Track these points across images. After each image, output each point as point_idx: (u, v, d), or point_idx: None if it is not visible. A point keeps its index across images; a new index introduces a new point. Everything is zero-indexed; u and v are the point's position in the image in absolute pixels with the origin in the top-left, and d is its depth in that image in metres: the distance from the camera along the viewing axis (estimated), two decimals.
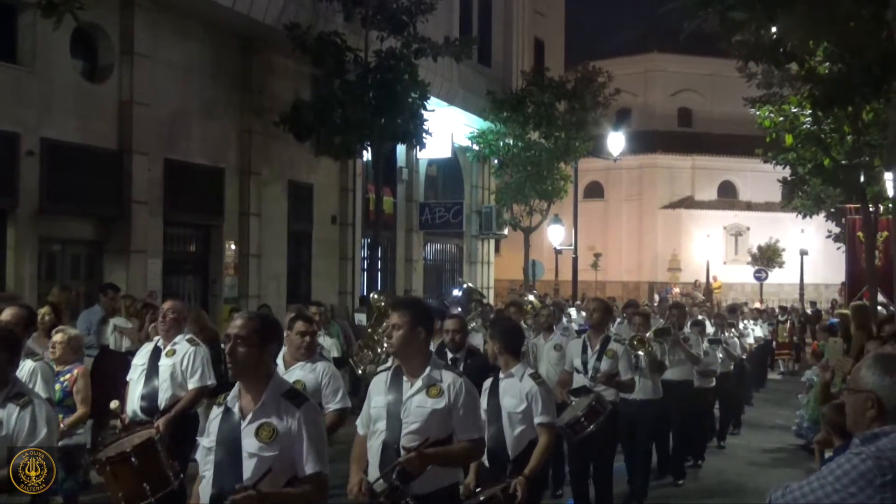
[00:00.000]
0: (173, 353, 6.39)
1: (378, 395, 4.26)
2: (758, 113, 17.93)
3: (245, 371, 3.58)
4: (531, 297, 15.89)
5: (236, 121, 14.97)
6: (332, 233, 17.58)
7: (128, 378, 6.62)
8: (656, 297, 29.17)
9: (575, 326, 13.41)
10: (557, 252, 28.23)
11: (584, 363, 7.44)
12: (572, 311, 17.31)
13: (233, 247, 14.93)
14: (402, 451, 3.96)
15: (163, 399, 6.31)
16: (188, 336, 6.61)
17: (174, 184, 13.51)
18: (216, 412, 3.70)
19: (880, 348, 6.01)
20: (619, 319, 11.85)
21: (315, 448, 3.51)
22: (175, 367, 6.37)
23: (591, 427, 6.78)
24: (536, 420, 5.18)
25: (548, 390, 5.37)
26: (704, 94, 44.06)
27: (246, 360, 3.54)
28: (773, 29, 8.29)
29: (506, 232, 25.22)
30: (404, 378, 4.19)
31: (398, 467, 3.90)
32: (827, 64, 12.28)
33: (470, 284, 16.10)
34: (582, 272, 26.81)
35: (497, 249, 27.99)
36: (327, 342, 9.78)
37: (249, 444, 3.47)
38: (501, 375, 5.34)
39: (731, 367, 12.01)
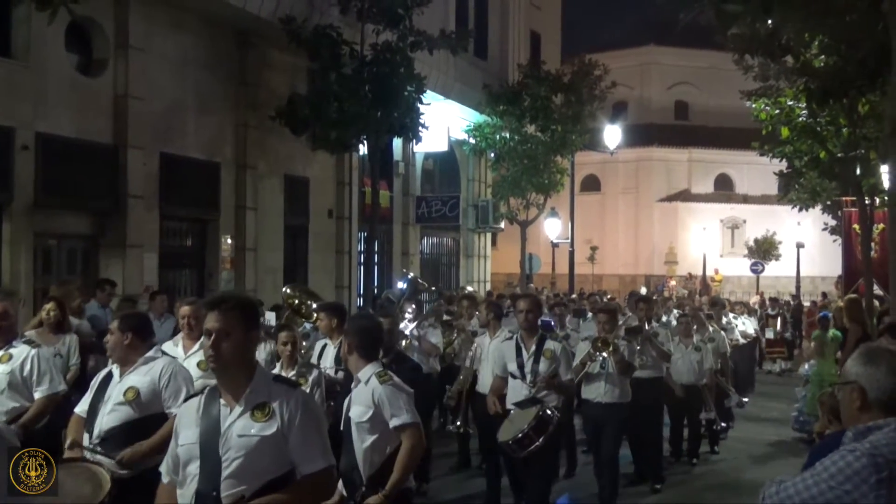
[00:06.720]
0: (9, 357, 5.44)
1: (187, 428, 3.23)
2: (754, 106, 17.96)
3: None
4: (470, 289, 15.61)
5: (232, 115, 14.93)
6: (328, 227, 17.56)
7: None
8: (644, 290, 28.98)
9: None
10: (554, 245, 28.23)
11: (521, 367, 6.67)
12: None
13: (229, 241, 14.89)
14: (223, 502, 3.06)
15: (1, 413, 5.33)
16: (25, 338, 5.79)
17: (170, 178, 13.48)
18: None
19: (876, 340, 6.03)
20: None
21: None
22: (14, 374, 5.42)
23: (541, 441, 6.24)
24: (392, 424, 4.29)
25: (395, 388, 4.38)
26: (701, 87, 44.00)
27: None
28: (769, 22, 8.28)
29: (502, 225, 25.24)
30: (221, 402, 3.20)
31: None
32: (822, 57, 12.30)
33: (413, 274, 15.71)
34: (578, 265, 26.81)
35: (494, 243, 27.99)
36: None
37: None
38: (353, 385, 4.52)
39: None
